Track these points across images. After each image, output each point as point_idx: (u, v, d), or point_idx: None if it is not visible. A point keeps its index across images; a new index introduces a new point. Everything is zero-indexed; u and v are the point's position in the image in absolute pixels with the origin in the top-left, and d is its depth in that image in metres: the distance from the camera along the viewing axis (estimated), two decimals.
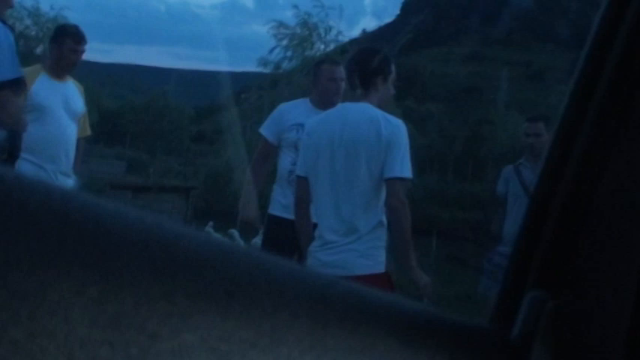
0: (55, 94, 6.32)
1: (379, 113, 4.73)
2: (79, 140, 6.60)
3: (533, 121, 7.24)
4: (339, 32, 39.18)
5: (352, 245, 4.59)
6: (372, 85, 4.85)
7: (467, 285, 11.62)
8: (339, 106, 5.01)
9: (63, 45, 6.45)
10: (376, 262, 4.62)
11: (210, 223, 30.27)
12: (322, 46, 39.09)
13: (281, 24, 39.65)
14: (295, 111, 6.31)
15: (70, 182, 6.27)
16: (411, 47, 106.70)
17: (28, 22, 40.96)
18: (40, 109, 6.14)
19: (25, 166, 5.69)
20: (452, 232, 38.86)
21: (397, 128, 4.68)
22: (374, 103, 4.80)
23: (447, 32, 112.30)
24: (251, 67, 46.15)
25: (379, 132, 4.59)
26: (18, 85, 4.70)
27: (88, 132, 6.74)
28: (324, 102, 6.19)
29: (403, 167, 4.63)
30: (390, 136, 4.60)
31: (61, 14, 39.97)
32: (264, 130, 6.54)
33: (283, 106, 6.70)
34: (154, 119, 70.88)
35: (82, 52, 6.56)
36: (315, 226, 4.88)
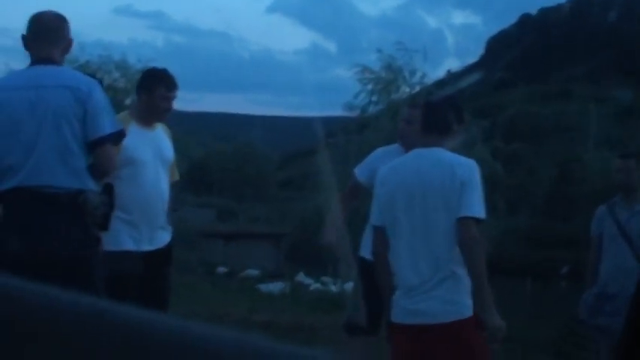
0: (147, 145, 5.93)
1: (451, 156, 4.67)
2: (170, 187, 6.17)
3: (624, 157, 7.09)
4: (424, 74, 39.18)
5: (435, 292, 4.53)
6: (446, 131, 4.79)
7: (561, 327, 11.40)
8: (412, 152, 4.94)
9: (154, 91, 5.94)
10: (461, 307, 4.52)
11: (301, 274, 30.45)
12: (407, 89, 39.12)
13: (365, 68, 39.80)
14: (389, 156, 6.15)
15: (166, 236, 6.07)
16: (497, 87, 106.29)
17: (116, 74, 41.70)
18: (135, 162, 5.78)
19: (120, 225, 5.62)
20: (545, 272, 38.35)
21: (470, 168, 4.58)
22: (447, 148, 4.74)
23: (533, 70, 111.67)
24: (337, 112, 46.24)
25: (453, 174, 4.52)
26: (119, 137, 4.81)
27: (177, 177, 6.37)
28: (409, 146, 6.05)
29: (475, 207, 4.50)
30: (463, 177, 4.52)
31: (148, 66, 40.22)
32: (358, 169, 6.43)
33: (379, 150, 6.56)
34: (241, 166, 71.66)
35: (174, 98, 6.11)
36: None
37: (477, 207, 4.47)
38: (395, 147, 6.37)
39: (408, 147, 5.94)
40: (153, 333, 0.85)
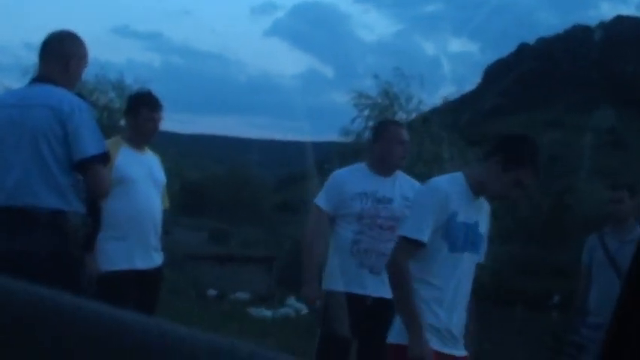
0: (138, 165, 6.03)
1: (433, 179, 4.70)
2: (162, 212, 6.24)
3: (616, 188, 7.09)
4: (420, 101, 39.06)
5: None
6: (483, 159, 4.95)
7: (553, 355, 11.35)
8: None
9: (138, 114, 6.10)
10: (394, 330, 4.43)
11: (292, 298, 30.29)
12: (404, 115, 39.03)
13: (362, 94, 39.68)
14: (354, 179, 5.92)
15: (158, 258, 6.14)
16: (493, 114, 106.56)
17: (112, 94, 41.37)
18: (127, 182, 5.85)
19: (113, 245, 5.70)
20: (537, 302, 38.28)
21: (419, 189, 4.92)
22: (473, 174, 4.57)
23: (530, 99, 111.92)
24: (332, 137, 46.17)
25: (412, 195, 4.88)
26: (105, 158, 4.75)
27: (167, 204, 6.38)
28: (388, 165, 5.89)
29: (408, 226, 4.38)
30: (412, 197, 4.90)
31: (145, 87, 39.93)
32: (322, 202, 5.94)
33: (340, 174, 6.11)
34: (235, 189, 71.54)
35: (159, 119, 6.25)
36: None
37: (408, 225, 4.38)
38: (358, 167, 6.08)
39: (392, 168, 5.84)
40: (130, 331, 0.86)
